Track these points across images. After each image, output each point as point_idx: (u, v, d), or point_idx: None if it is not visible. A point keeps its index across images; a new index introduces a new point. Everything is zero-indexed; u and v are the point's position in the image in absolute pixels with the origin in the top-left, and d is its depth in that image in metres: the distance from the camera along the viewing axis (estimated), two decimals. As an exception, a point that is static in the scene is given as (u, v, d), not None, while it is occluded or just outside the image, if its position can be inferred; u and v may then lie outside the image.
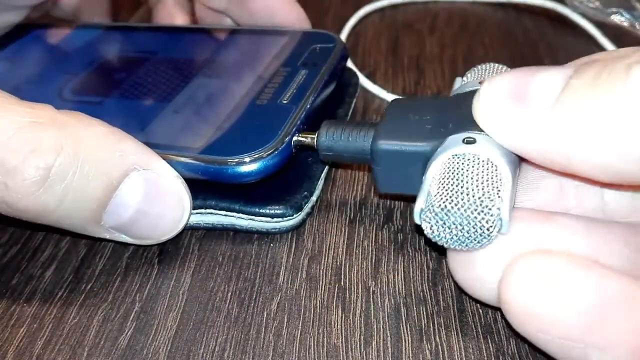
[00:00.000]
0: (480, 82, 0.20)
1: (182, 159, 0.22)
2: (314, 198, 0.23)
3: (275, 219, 0.22)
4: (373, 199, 0.24)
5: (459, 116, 0.19)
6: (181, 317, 0.20)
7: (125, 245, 0.23)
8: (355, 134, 0.21)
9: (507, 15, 0.38)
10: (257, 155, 0.21)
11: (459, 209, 0.16)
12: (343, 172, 0.26)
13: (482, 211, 0.16)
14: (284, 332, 0.19)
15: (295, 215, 0.22)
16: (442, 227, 0.17)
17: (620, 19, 0.35)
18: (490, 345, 0.19)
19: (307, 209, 0.23)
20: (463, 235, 0.17)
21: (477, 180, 0.17)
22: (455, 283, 0.19)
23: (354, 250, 0.22)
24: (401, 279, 0.21)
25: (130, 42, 0.32)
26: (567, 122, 0.15)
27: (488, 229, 0.16)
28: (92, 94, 0.27)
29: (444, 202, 0.17)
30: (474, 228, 0.16)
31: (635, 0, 0.36)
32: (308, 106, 0.24)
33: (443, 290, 0.20)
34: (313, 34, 0.29)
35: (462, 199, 0.16)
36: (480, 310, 0.20)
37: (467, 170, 0.17)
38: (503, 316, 0.19)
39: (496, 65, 0.22)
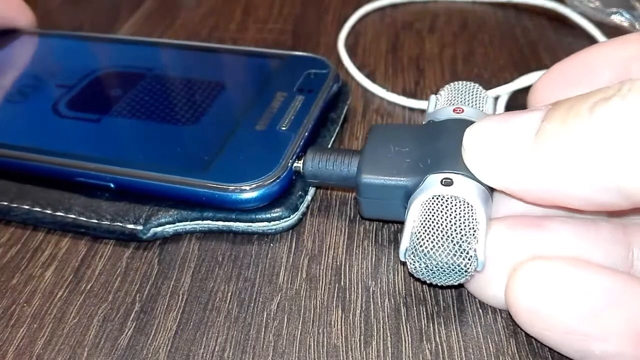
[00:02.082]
0: (455, 110, 0.22)
1: (185, 185, 0.22)
2: (309, 197, 0.24)
3: (272, 222, 0.22)
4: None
5: (435, 152, 0.20)
6: (181, 317, 0.20)
7: (126, 245, 0.23)
8: (340, 163, 0.22)
9: (507, 15, 0.38)
10: (259, 183, 0.22)
11: (440, 253, 0.18)
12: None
13: (461, 255, 0.18)
14: (284, 332, 0.19)
15: (292, 216, 0.23)
16: (425, 268, 0.18)
17: (620, 18, 0.35)
18: (490, 345, 0.19)
19: (303, 208, 0.23)
20: (444, 274, 0.18)
21: (455, 224, 0.18)
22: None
23: (354, 250, 0.22)
24: (401, 279, 0.21)
25: (125, 57, 0.32)
26: (543, 163, 0.16)
27: (466, 270, 0.18)
28: (87, 112, 0.27)
29: (426, 247, 0.18)
30: (453, 270, 0.18)
31: (635, 0, 0.36)
32: (306, 134, 0.24)
33: (443, 290, 0.20)
34: (306, 58, 0.29)
35: (443, 244, 0.18)
36: (480, 310, 0.20)
37: (446, 213, 0.18)
38: (503, 316, 0.19)
39: (468, 83, 0.23)
